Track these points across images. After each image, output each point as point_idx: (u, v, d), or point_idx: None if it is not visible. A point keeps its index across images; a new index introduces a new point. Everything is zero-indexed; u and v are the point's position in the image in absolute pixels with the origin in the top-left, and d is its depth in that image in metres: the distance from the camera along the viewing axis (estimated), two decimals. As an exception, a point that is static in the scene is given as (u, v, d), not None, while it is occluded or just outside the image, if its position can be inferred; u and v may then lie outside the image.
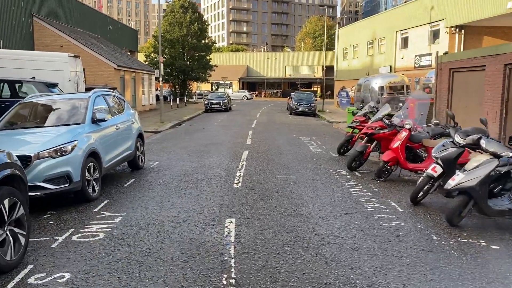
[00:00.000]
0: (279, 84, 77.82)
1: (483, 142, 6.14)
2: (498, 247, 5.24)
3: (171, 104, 36.75)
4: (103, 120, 7.98)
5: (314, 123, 25.06)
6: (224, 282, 4.14)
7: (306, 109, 31.02)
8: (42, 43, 24.19)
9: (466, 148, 6.88)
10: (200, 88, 63.48)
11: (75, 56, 16.75)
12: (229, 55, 78.96)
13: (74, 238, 5.38)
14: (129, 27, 49.86)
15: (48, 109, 8.34)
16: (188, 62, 46.45)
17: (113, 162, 8.38)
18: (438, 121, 8.96)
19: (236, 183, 8.42)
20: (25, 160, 6.20)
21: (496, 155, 5.92)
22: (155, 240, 5.27)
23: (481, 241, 5.44)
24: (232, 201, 7.08)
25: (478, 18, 23.54)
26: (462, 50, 25.44)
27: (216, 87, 68.12)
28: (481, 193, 5.84)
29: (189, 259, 4.68)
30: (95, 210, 6.61)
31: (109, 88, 20.74)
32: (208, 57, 47.91)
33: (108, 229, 5.68)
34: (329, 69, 53.72)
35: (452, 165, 6.90)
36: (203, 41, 47.77)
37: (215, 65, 48.84)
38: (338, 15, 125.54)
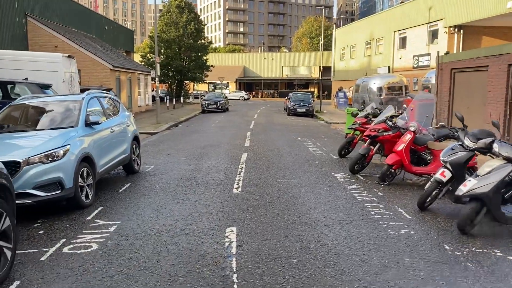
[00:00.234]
0: (276, 84, 77.56)
1: (496, 146, 5.86)
2: (514, 258, 4.96)
3: (168, 105, 36.39)
4: (96, 123, 7.66)
5: (313, 124, 24.79)
6: (226, 300, 3.84)
7: (304, 110, 30.75)
8: (36, 44, 23.77)
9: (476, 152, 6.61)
10: (196, 88, 63.12)
11: (69, 56, 16.40)
12: (226, 56, 78.64)
13: (65, 249, 5.06)
14: (125, 27, 49.40)
15: (40, 111, 8.02)
16: (184, 63, 46.08)
17: (108, 166, 8.05)
18: (443, 123, 8.67)
19: (236, 188, 8.11)
20: (14, 166, 5.89)
21: (510, 160, 5.64)
22: (151, 252, 4.95)
23: (496, 251, 5.15)
24: (232, 207, 6.77)
25: (478, 18, 23.34)
26: (461, 50, 25.23)
27: (213, 87, 67.76)
28: (494, 200, 5.56)
29: (188, 274, 4.36)
30: (88, 218, 6.28)
31: (105, 89, 20.42)
32: (204, 58, 47.55)
33: (101, 240, 5.36)
34: (326, 70, 53.57)
35: (461, 169, 6.62)
36: (199, 42, 47.41)
37: (211, 66, 48.49)
38: (335, 15, 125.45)
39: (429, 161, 8.96)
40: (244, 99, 61.88)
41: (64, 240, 5.37)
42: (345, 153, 12.20)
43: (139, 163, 9.92)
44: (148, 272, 4.41)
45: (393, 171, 8.67)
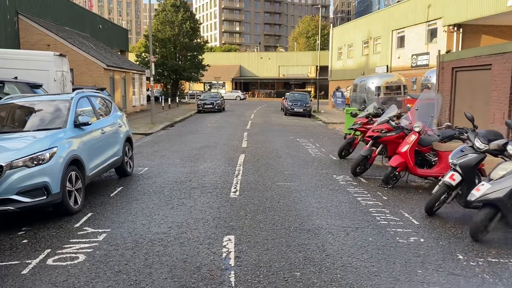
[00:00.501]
0: (273, 84, 77.20)
1: (510, 148, 5.52)
2: (534, 268, 4.61)
3: (163, 104, 35.93)
4: (86, 124, 7.25)
5: (310, 124, 24.44)
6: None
7: (301, 110, 30.40)
8: (28, 42, 23.29)
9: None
10: (192, 88, 62.64)
11: (61, 55, 15.93)
12: (222, 55, 78.20)
13: (50, 261, 4.67)
14: (120, 26, 48.89)
15: (26, 111, 7.61)
16: (180, 62, 45.61)
17: (98, 169, 7.66)
18: (449, 124, 8.33)
19: (234, 192, 7.73)
20: (-4, 171, 5.49)
21: (526, 163, 5.30)
22: (142, 263, 4.57)
23: (513, 260, 4.81)
24: (230, 213, 6.39)
25: (478, 16, 23.05)
26: (460, 49, 24.96)
27: (208, 87, 67.33)
28: (510, 205, 5.22)
29: (182, 289, 3.99)
30: (77, 225, 5.89)
31: (98, 89, 19.98)
32: (200, 57, 47.09)
33: (89, 250, 4.97)
34: (323, 69, 53.22)
35: (472, 172, 6.29)
36: (195, 41, 46.95)
37: (207, 65, 48.04)
38: (331, 15, 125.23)
39: (434, 163, 8.61)
40: (241, 99, 61.48)
41: (49, 250, 4.98)
42: (346, 154, 11.85)
43: (132, 166, 9.52)
44: (139, 287, 4.03)
45: (397, 173, 8.32)
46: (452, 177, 6.23)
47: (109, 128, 8.47)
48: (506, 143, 5.63)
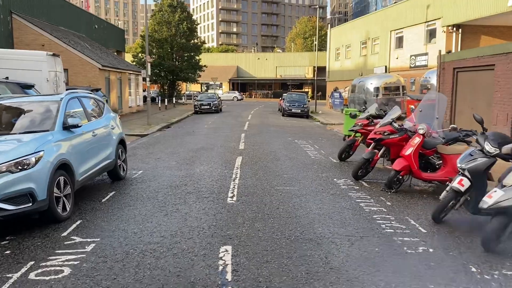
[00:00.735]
0: (270, 85, 76.93)
1: (524, 153, 5.21)
2: (553, 282, 4.30)
3: (159, 105, 35.55)
4: (76, 126, 6.89)
5: (308, 125, 24.13)
6: None
7: (299, 111, 30.10)
8: (22, 42, 22.90)
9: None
10: (189, 89, 62.26)
11: (54, 55, 15.59)
12: (219, 56, 77.87)
13: (32, 275, 4.32)
14: (116, 26, 48.49)
15: (13, 113, 7.25)
16: (177, 63, 45.23)
17: (89, 174, 7.31)
18: (455, 126, 8.02)
19: (231, 197, 7.39)
20: (-24, 177, 5.14)
21: (541, 168, 4.99)
22: (132, 278, 4.23)
23: (530, 273, 4.49)
24: (227, 221, 6.05)
25: (478, 16, 22.82)
26: (459, 49, 24.72)
27: (205, 88, 67.01)
28: (524, 214, 4.91)
29: (174, 308, 3.65)
30: (64, 234, 5.54)
31: (93, 89, 19.62)
32: (197, 58, 46.72)
33: (76, 262, 4.62)
34: (320, 70, 52.92)
35: (481, 177, 5.98)
36: (192, 41, 46.58)
37: (204, 66, 47.68)
38: (328, 16, 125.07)
39: (437, 166, 8.31)
40: (238, 100, 61.15)
41: (32, 262, 4.63)
42: (346, 156, 11.54)
43: (125, 169, 9.17)
44: (127, 306, 3.69)
45: (400, 177, 8.02)
46: (461, 183, 5.92)
47: (101, 130, 8.12)
48: (520, 147, 5.32)
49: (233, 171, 9.82)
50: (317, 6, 48.87)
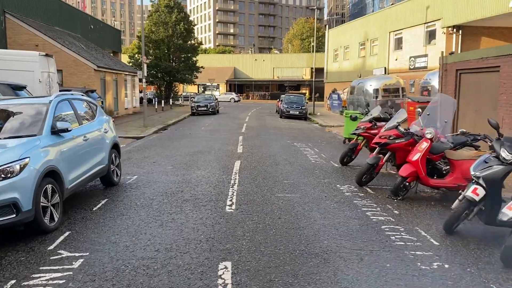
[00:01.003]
0: (267, 86, 76.61)
1: (546, 161, 4.85)
2: None
3: (156, 107, 35.14)
4: (65, 130, 6.49)
5: (307, 127, 23.77)
6: None
7: (297, 112, 29.75)
8: (15, 42, 22.45)
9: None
10: (186, 90, 61.80)
11: (47, 55, 15.17)
12: (216, 57, 77.49)
13: (12, 297, 3.93)
14: (112, 27, 47.97)
15: (-1, 116, 6.84)
16: (173, 64, 44.81)
17: (80, 180, 6.91)
18: (464, 130, 7.66)
19: (229, 206, 7.00)
20: (-46, 186, 4.74)
21: None
22: (123, 300, 3.84)
23: (557, 293, 4.13)
24: (226, 232, 5.66)
25: (478, 17, 22.49)
26: (459, 51, 24.40)
27: (203, 89, 66.63)
28: (548, 227, 4.56)
29: (168, 338, 3.26)
30: (51, 247, 5.14)
31: (88, 91, 19.21)
32: (194, 59, 46.31)
33: (61, 281, 4.22)
34: (318, 71, 52.67)
35: (497, 186, 5.61)
36: (189, 42, 46.17)
37: (201, 67, 47.27)
38: (325, 17, 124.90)
39: (445, 172, 7.95)
40: (235, 101, 60.78)
41: (13, 281, 4.23)
42: (348, 160, 11.18)
43: (119, 174, 8.77)
44: (116, 335, 3.30)
45: (407, 184, 7.65)
46: (476, 192, 5.56)
47: (93, 134, 7.73)
48: (541, 155, 4.96)
49: (231, 176, 9.43)
50: (315, 7, 48.72)
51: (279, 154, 12.91)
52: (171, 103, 41.46)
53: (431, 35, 27.82)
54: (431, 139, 7.56)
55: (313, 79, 41.09)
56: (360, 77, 32.91)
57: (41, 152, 5.83)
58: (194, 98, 38.12)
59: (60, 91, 14.62)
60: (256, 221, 6.16)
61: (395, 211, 6.83)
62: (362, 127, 10.75)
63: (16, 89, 11.90)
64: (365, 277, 4.34)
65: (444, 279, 4.36)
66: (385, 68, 32.78)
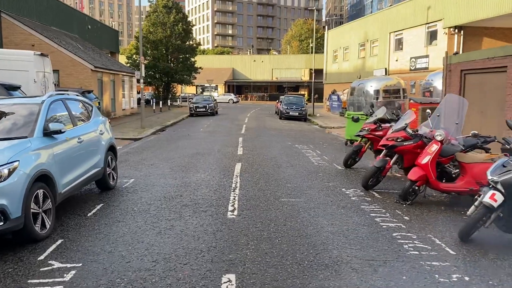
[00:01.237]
0: (266, 87, 76.31)
1: None
2: None
3: (154, 108, 34.77)
4: (58, 132, 6.14)
5: (307, 128, 23.46)
6: None
7: (297, 113, 29.44)
8: (11, 42, 22.06)
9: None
10: (184, 91, 61.44)
11: (42, 54, 14.78)
12: (215, 58, 77.16)
13: (-4, 315, 3.59)
14: (110, 27, 47.63)
15: (-13, 117, 6.49)
16: (172, 64, 44.43)
17: (74, 185, 6.56)
18: (476, 132, 7.34)
19: (231, 211, 6.66)
20: None
21: None
22: (117, 319, 3.50)
23: None
24: (228, 241, 5.32)
25: (480, 18, 22.27)
26: (461, 51, 24.15)
27: (201, 90, 66.28)
28: None
29: None
30: (41, 257, 4.79)
31: (85, 91, 18.84)
32: (193, 59, 45.95)
33: (50, 296, 3.89)
34: (317, 72, 52.40)
35: (517, 192, 5.29)
36: (187, 43, 45.81)
37: (200, 68, 46.92)
38: (323, 18, 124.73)
39: (454, 175, 7.63)
40: (234, 102, 60.42)
41: (-2, 296, 3.90)
42: (351, 163, 10.86)
43: (115, 177, 8.42)
44: None
45: (416, 188, 7.33)
46: (493, 197, 5.24)
47: (89, 135, 7.38)
48: None
49: (232, 179, 9.10)
50: (314, 8, 48.47)
51: (280, 156, 12.59)
52: (169, 104, 41.10)
53: (432, 36, 27.57)
54: (441, 141, 7.25)
55: (313, 80, 40.81)
56: (359, 78, 32.63)
57: (32, 155, 5.49)
58: (192, 99, 37.78)
59: (56, 91, 14.27)
60: (260, 228, 5.83)
61: (405, 217, 6.51)
62: (366, 128, 10.44)
63: (10, 89, 11.54)
64: (381, 292, 4.01)
65: (465, 293, 4.04)
66: (385, 69, 32.51)
